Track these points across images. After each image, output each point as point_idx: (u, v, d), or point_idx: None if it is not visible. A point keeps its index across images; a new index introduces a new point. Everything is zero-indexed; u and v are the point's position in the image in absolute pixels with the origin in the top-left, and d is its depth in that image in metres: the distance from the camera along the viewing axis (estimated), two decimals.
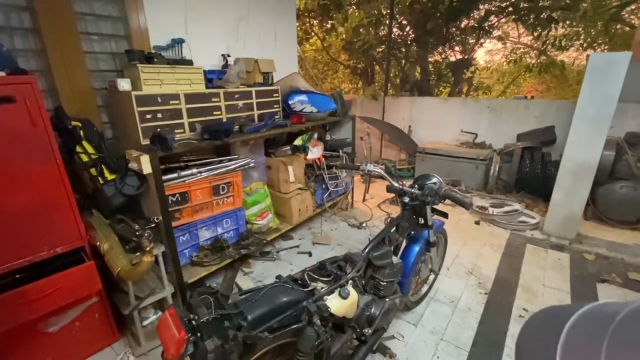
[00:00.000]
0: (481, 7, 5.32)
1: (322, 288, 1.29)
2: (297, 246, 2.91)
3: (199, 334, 0.93)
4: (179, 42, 2.39)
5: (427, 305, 2.17)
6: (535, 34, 5.15)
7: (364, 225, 3.33)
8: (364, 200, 3.97)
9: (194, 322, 0.94)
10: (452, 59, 6.65)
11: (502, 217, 3.34)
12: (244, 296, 1.14)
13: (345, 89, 10.00)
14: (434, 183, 1.65)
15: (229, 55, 2.72)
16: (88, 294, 1.60)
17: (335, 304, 1.25)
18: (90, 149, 1.77)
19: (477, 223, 3.35)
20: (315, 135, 3.02)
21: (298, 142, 2.92)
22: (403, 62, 6.78)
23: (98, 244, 1.58)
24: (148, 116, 1.98)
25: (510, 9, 5.02)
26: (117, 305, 1.81)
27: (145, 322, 1.89)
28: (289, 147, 2.89)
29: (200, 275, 2.18)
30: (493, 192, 4.00)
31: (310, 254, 2.78)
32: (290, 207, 2.85)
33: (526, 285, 2.36)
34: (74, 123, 1.75)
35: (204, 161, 2.32)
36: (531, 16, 4.79)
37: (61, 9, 1.88)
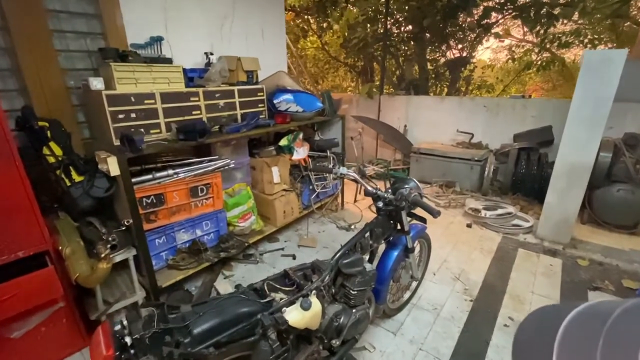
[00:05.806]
0: (480, 3, 5.18)
1: (281, 299, 1.23)
2: (282, 249, 2.85)
3: (132, 352, 0.88)
4: (158, 40, 2.33)
5: (408, 313, 2.10)
6: (535, 30, 5.01)
7: (352, 227, 3.25)
8: (355, 201, 3.89)
9: (127, 338, 0.89)
10: (451, 56, 6.51)
11: (495, 220, 3.24)
12: (194, 308, 1.08)
13: (345, 87, 9.91)
14: (406, 188, 1.58)
15: (211, 54, 2.65)
16: (50, 299, 1.56)
17: (295, 316, 1.18)
18: (57, 150, 1.73)
19: (468, 226, 3.26)
20: (301, 136, 2.95)
21: (283, 142, 2.86)
22: (401, 59, 6.67)
23: (60, 248, 1.53)
24: (121, 116, 1.93)
25: (510, 5, 4.88)
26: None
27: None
28: (273, 148, 2.83)
29: (177, 279, 2.13)
30: (488, 194, 3.89)
31: (294, 257, 2.71)
32: (275, 209, 2.79)
33: (514, 292, 2.28)
34: (40, 123, 1.71)
35: (182, 162, 2.27)
36: (531, 12, 4.65)
37: (30, 7, 1.84)
